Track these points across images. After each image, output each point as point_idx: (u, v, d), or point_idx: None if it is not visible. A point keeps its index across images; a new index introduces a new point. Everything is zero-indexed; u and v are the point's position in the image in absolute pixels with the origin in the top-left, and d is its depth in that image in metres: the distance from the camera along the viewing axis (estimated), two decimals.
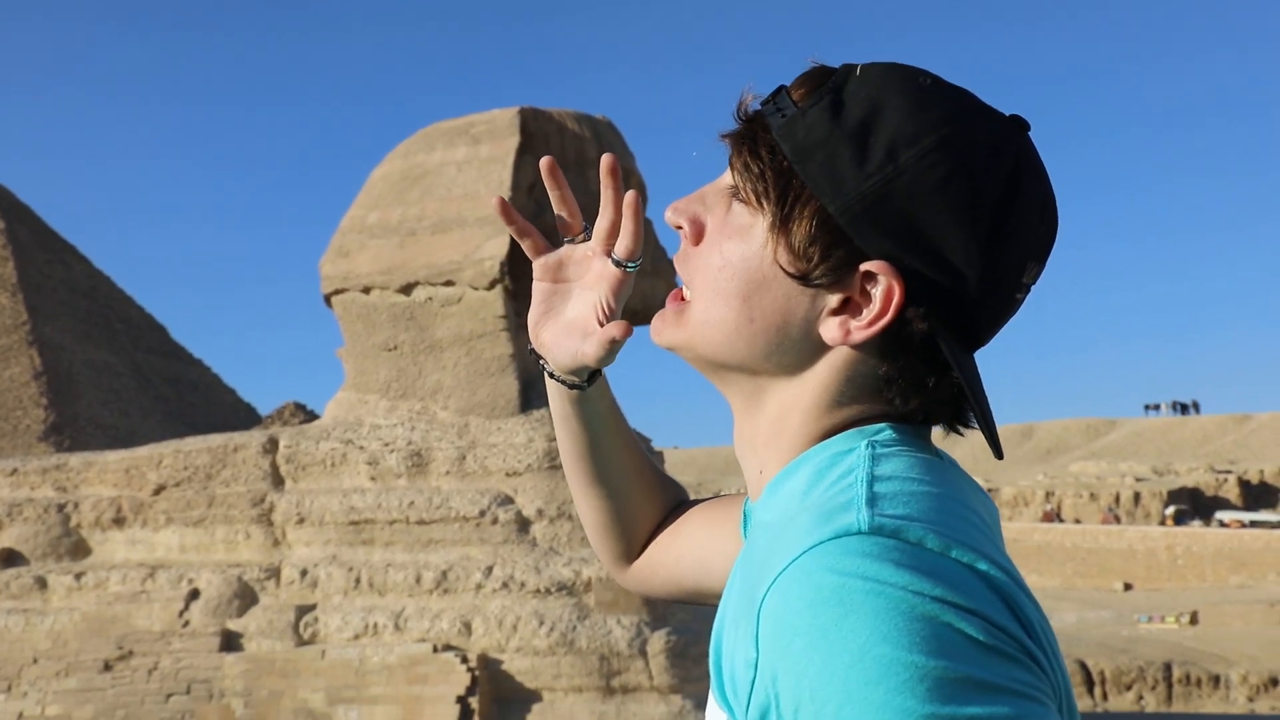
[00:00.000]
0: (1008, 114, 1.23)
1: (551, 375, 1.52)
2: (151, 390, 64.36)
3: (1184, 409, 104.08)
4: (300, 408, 55.41)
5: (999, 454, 1.22)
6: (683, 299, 1.30)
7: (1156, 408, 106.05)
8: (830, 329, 1.20)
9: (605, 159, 1.39)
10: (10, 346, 59.02)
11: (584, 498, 1.66)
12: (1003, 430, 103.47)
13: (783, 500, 1.21)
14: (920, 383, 1.20)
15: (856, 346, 1.20)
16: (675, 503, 1.71)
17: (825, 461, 1.20)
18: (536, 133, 18.18)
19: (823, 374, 1.23)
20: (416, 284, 17.93)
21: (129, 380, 63.16)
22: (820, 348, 1.22)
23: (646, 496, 1.66)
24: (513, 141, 17.78)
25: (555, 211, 1.50)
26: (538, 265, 1.52)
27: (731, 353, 1.25)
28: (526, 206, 17.82)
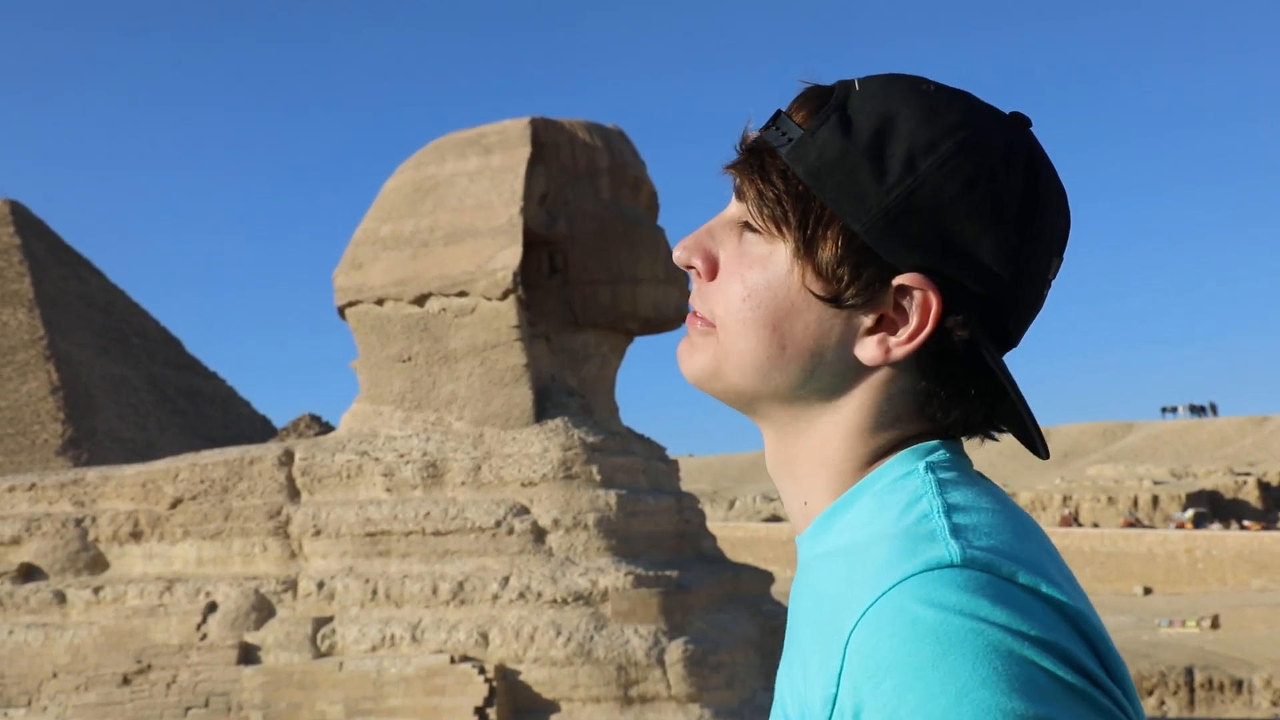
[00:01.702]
0: (1008, 112, 1.22)
1: None
2: (168, 403, 64.67)
3: (1201, 411, 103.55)
4: (316, 419, 55.61)
5: (1045, 454, 1.21)
6: (702, 320, 1.27)
7: (1174, 410, 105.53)
8: (868, 349, 1.18)
9: None
10: (28, 361, 59.34)
11: None
12: None
13: (844, 530, 1.18)
14: (962, 394, 1.19)
15: (894, 364, 1.18)
16: None
17: (885, 488, 1.18)
18: (548, 142, 18.19)
19: (862, 396, 1.20)
20: (430, 295, 17.94)
21: (145, 394, 63.46)
22: (856, 369, 1.20)
23: None
24: (524, 152, 17.79)
25: None
26: None
27: (765, 382, 1.22)
28: (538, 216, 17.82)
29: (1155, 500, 58.85)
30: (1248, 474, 65.59)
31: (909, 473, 1.17)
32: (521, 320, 17.44)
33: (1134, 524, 55.64)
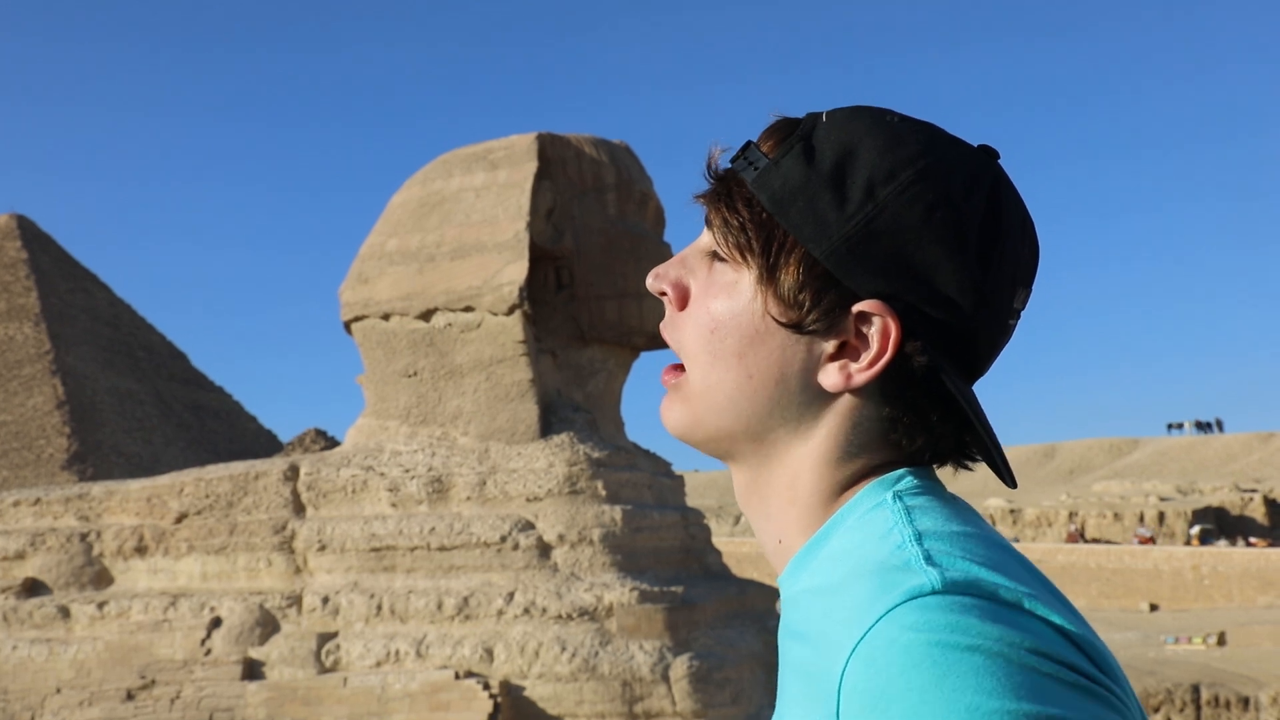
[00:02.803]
0: (976, 144, 1.24)
1: None
2: (173, 418, 64.77)
3: (1207, 427, 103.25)
4: (321, 434, 55.65)
5: (1012, 483, 1.22)
6: (675, 371, 1.29)
7: (1180, 426, 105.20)
8: (830, 375, 1.19)
9: None
10: (34, 376, 59.46)
11: None
12: (1024, 450, 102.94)
13: (820, 568, 1.18)
14: (924, 420, 1.20)
15: (858, 391, 1.19)
16: None
17: (856, 523, 1.18)
18: (554, 158, 18.21)
19: (829, 425, 1.22)
20: (436, 310, 17.95)
21: (151, 408, 63.56)
22: (821, 397, 1.21)
23: None
24: (531, 167, 17.81)
25: None
26: None
27: (736, 415, 1.23)
28: (544, 231, 17.83)
29: (1161, 516, 58.68)
30: (1254, 490, 65.36)
31: (878, 504, 1.17)
32: (527, 335, 17.44)
33: (1151, 541, 55.37)
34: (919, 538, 1.10)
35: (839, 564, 1.14)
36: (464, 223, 18.10)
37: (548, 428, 17.57)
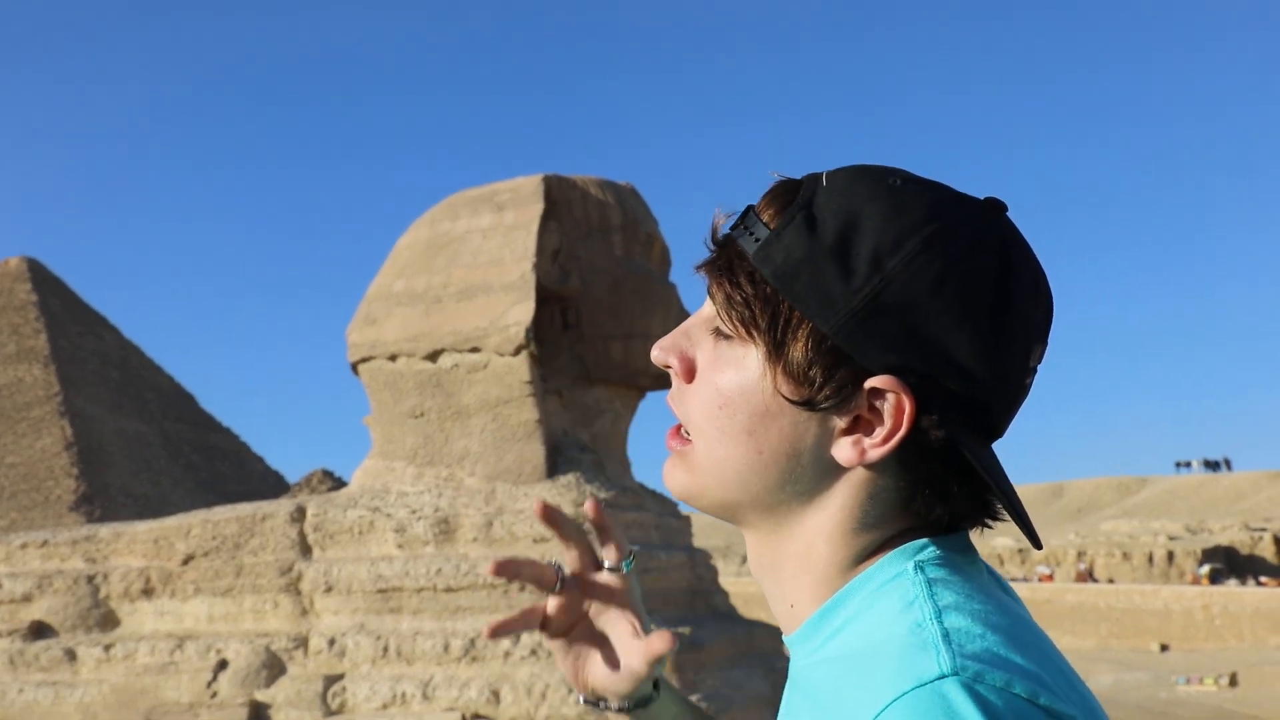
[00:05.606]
0: (982, 197, 1.19)
1: (622, 709, 1.51)
2: (181, 459, 64.78)
3: (1216, 466, 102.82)
4: (328, 475, 55.59)
5: (1038, 545, 1.18)
6: (681, 436, 1.26)
7: (1188, 465, 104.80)
8: (844, 450, 1.15)
9: (536, 507, 1.43)
10: (42, 418, 59.55)
11: None
12: (1032, 489, 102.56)
13: (835, 637, 1.16)
14: (944, 490, 1.16)
15: (873, 464, 1.16)
16: None
17: (874, 592, 1.15)
18: (560, 199, 18.30)
19: (843, 496, 1.18)
20: (443, 351, 17.99)
21: (159, 449, 63.60)
22: (835, 469, 1.17)
23: None
24: (537, 208, 17.90)
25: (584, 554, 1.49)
26: (546, 631, 1.52)
27: (745, 489, 1.20)
28: (550, 272, 17.90)
29: (1170, 556, 58.32)
30: (1264, 529, 64.92)
31: (899, 574, 1.14)
32: (534, 376, 17.47)
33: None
34: (940, 615, 1.07)
35: (855, 635, 1.12)
36: (470, 264, 18.18)
37: (554, 468, 17.57)
